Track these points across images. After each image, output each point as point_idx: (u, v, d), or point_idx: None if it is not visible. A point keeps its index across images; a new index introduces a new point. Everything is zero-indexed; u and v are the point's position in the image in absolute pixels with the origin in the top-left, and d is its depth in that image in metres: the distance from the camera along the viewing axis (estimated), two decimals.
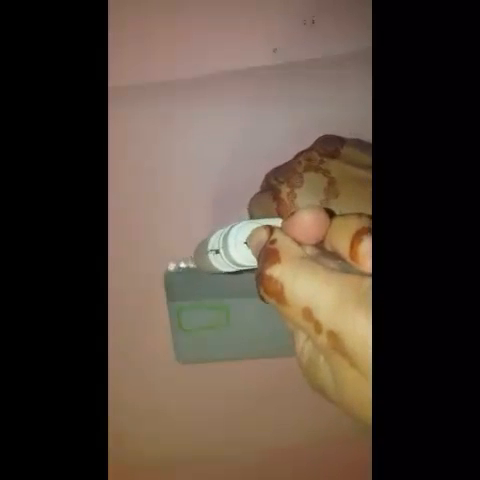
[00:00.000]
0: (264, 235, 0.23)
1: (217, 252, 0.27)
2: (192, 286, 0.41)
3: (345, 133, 0.35)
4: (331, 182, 0.32)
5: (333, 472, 0.48)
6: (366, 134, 0.34)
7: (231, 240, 0.25)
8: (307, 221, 0.22)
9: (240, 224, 0.25)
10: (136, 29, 0.36)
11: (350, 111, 0.36)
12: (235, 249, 0.25)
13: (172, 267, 0.41)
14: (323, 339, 0.20)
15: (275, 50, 0.37)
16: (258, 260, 0.23)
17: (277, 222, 0.25)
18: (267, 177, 0.35)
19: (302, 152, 0.34)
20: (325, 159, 0.33)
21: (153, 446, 0.47)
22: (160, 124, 0.38)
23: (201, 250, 0.30)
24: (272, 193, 0.33)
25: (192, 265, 0.41)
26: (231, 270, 0.27)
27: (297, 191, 0.32)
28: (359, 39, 0.35)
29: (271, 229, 0.23)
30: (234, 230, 0.25)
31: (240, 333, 0.43)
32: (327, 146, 0.33)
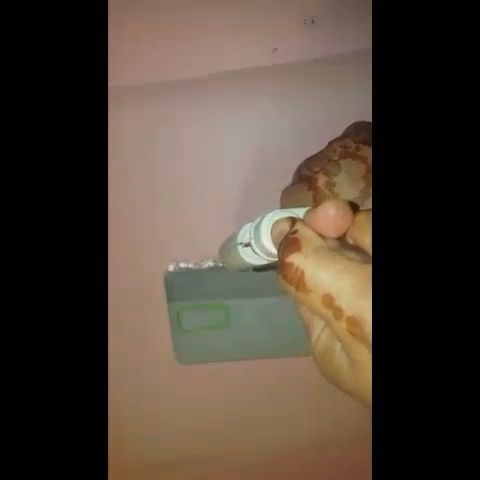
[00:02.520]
0: (286, 226, 0.23)
1: (247, 245, 0.26)
2: (192, 286, 0.41)
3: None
4: (370, 169, 0.31)
5: (333, 473, 0.48)
6: None
7: (263, 229, 0.24)
8: (331, 214, 0.22)
9: (272, 213, 0.25)
10: (136, 29, 0.36)
11: (350, 111, 0.36)
12: (267, 237, 0.24)
13: (172, 267, 0.41)
14: (343, 325, 0.20)
15: (275, 50, 0.37)
16: (278, 250, 0.23)
17: None
18: (299, 169, 0.34)
19: (335, 140, 0.33)
20: (361, 145, 0.32)
21: (153, 446, 0.47)
22: (160, 124, 0.38)
23: (229, 245, 0.29)
24: (307, 183, 0.32)
25: (192, 265, 0.41)
26: (262, 263, 0.27)
27: (335, 179, 0.31)
28: (359, 39, 0.35)
29: (293, 220, 0.23)
30: (266, 219, 0.24)
31: (240, 333, 0.43)
32: (361, 132, 0.32)
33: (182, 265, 0.41)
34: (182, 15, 0.36)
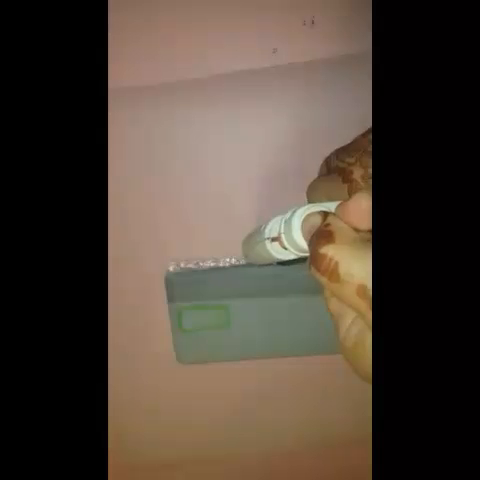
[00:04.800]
0: (318, 219, 0.23)
1: (274, 239, 0.26)
2: (192, 287, 0.41)
3: (344, 133, 0.35)
4: None
5: (333, 473, 0.48)
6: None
7: (295, 224, 0.24)
8: (364, 206, 0.22)
9: (304, 207, 0.24)
10: (135, 30, 0.36)
11: (350, 111, 0.36)
12: (299, 232, 0.24)
13: (172, 267, 0.41)
14: None
15: (275, 50, 0.37)
16: (309, 244, 0.23)
17: None
18: (328, 161, 0.33)
19: (370, 130, 0.32)
20: None
21: (153, 446, 0.47)
22: (160, 125, 0.38)
23: (255, 239, 0.29)
24: (341, 175, 0.30)
25: (192, 265, 0.42)
26: (290, 258, 0.26)
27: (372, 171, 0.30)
28: (359, 39, 0.35)
29: (325, 214, 0.23)
30: (298, 213, 0.24)
31: (240, 334, 0.43)
32: None
33: (183, 265, 0.41)
34: (182, 16, 0.36)
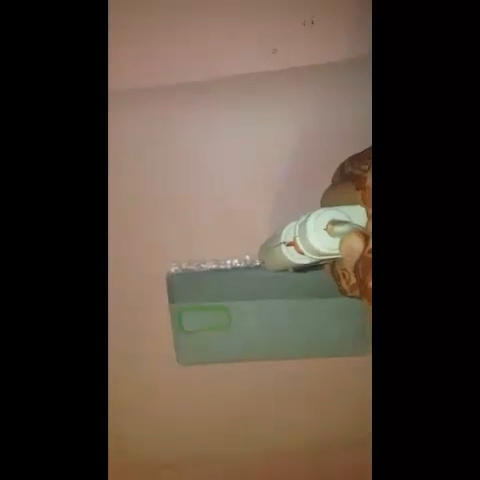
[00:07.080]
0: (359, 243, 0.22)
1: (290, 244, 0.26)
2: (194, 288, 0.42)
3: (345, 134, 0.35)
4: None
5: (333, 474, 0.48)
6: (367, 135, 0.34)
7: (310, 226, 0.24)
8: (355, 248, 0.22)
9: (318, 211, 0.25)
10: (136, 32, 0.36)
11: (350, 113, 0.36)
12: (314, 235, 0.24)
13: (174, 269, 0.42)
14: None
15: (275, 51, 0.37)
16: (355, 270, 0.22)
17: (358, 210, 0.25)
18: (342, 168, 0.33)
19: None
20: None
21: (153, 446, 0.47)
22: (159, 127, 0.38)
23: (271, 244, 0.29)
24: (355, 182, 0.30)
25: (193, 267, 0.42)
26: (306, 262, 0.27)
27: None
28: (359, 40, 0.35)
29: (365, 237, 0.22)
30: (313, 216, 0.25)
31: (241, 335, 0.43)
32: None
33: (184, 266, 0.42)
34: (182, 18, 0.36)
